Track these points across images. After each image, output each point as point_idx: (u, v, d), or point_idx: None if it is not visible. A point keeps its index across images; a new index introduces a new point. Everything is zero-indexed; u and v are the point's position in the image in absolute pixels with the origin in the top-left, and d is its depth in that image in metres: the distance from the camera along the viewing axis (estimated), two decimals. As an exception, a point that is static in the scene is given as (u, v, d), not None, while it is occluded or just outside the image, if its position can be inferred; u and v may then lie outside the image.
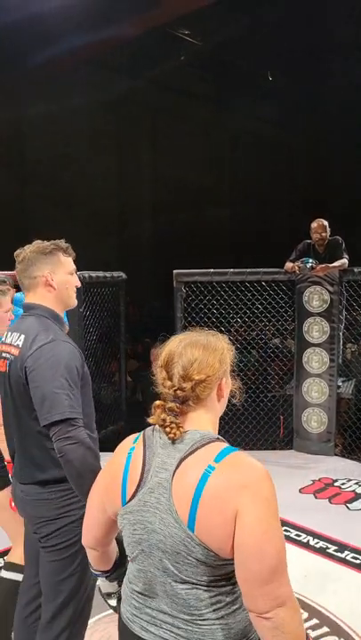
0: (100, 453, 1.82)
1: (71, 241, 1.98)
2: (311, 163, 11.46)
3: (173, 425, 1.19)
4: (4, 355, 1.90)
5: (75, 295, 1.98)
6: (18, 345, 1.83)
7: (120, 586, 1.37)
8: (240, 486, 1.10)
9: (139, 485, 1.20)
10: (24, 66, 8.42)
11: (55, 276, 1.89)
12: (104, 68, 9.91)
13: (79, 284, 1.99)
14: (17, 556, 2.36)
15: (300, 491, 4.32)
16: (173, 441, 1.19)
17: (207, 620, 1.14)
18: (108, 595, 1.48)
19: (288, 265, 5.10)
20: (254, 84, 10.60)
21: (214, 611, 1.14)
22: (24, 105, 9.19)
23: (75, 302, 1.99)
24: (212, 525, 1.09)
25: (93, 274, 5.00)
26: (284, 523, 3.73)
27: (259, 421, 5.27)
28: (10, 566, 2.39)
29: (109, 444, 1.78)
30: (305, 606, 2.82)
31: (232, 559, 1.10)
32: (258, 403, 5.29)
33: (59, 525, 1.80)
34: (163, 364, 1.25)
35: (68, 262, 1.94)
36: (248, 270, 5.15)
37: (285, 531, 3.64)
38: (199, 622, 1.14)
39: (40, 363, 1.74)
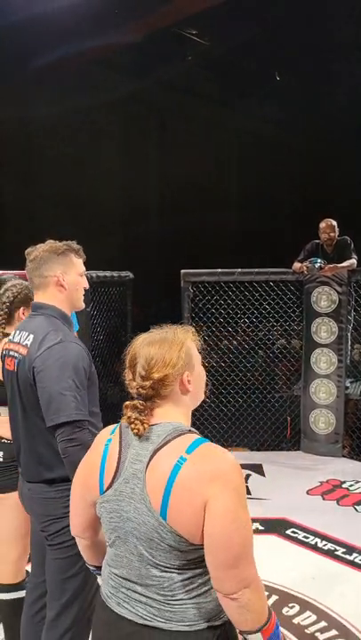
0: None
1: (76, 241, 1.99)
2: (317, 163, 11.42)
3: (138, 422, 1.23)
4: (11, 353, 1.90)
5: (83, 297, 1.99)
6: (26, 344, 1.83)
7: None
8: (210, 477, 1.15)
9: (115, 476, 1.25)
10: (29, 66, 8.42)
11: (66, 277, 1.90)
12: (109, 69, 9.91)
13: (87, 287, 2.00)
14: (7, 576, 2.28)
15: (307, 492, 4.28)
16: (139, 436, 1.23)
17: (180, 600, 1.20)
18: None
19: (296, 265, 5.08)
20: (260, 85, 10.59)
21: (186, 592, 1.20)
22: (29, 105, 9.19)
23: (82, 305, 2.01)
24: (183, 514, 1.15)
25: (101, 273, 4.99)
26: (291, 524, 3.72)
27: (266, 422, 5.25)
28: (3, 588, 2.28)
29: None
30: (313, 608, 2.81)
31: (202, 545, 1.16)
32: (265, 403, 5.28)
33: (65, 523, 1.78)
34: (128, 364, 1.29)
35: (79, 264, 1.96)
36: (256, 270, 5.13)
37: (293, 532, 3.63)
38: (172, 602, 1.20)
39: (48, 364, 1.74)
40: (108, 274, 5.20)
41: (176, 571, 1.19)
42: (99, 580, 1.52)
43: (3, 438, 2.23)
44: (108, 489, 1.25)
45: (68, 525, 1.77)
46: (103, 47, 8.52)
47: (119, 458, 1.25)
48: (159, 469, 1.18)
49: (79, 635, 1.84)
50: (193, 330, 1.35)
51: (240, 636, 1.23)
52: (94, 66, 9.34)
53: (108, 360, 5.48)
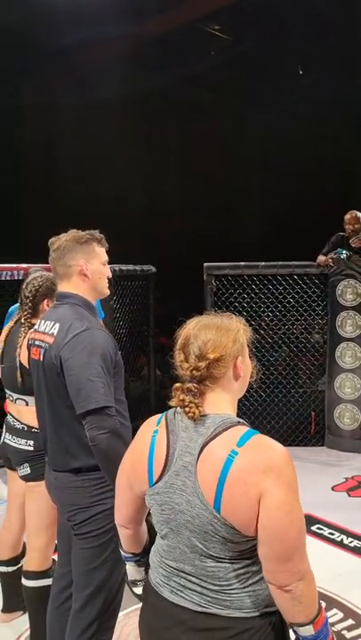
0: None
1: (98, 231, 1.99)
2: (342, 158, 11.28)
3: (192, 405, 1.22)
4: (37, 343, 1.90)
5: (107, 285, 1.99)
6: (52, 333, 1.83)
7: (147, 573, 1.39)
8: (263, 470, 1.15)
9: (164, 468, 1.24)
10: (53, 61, 8.46)
11: (90, 266, 1.91)
12: (133, 64, 9.91)
13: (110, 275, 2.01)
14: (33, 563, 2.31)
15: (332, 488, 4.24)
16: (194, 420, 1.22)
17: (235, 589, 1.21)
18: (134, 582, 1.49)
19: (321, 258, 5.01)
20: (285, 80, 10.49)
21: (241, 581, 1.21)
22: (51, 101, 9.23)
23: (107, 291, 2.01)
24: (237, 507, 1.15)
25: (124, 267, 4.99)
26: (316, 520, 3.66)
27: (290, 417, 5.19)
28: (30, 575, 2.31)
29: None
30: (339, 606, 2.76)
31: (255, 537, 1.16)
32: (288, 398, 5.21)
33: (92, 513, 1.80)
34: (180, 346, 1.28)
35: (102, 253, 1.96)
36: (280, 263, 5.07)
37: (319, 529, 3.58)
38: (228, 591, 1.21)
39: (76, 351, 1.74)
40: (130, 267, 5.19)
41: (229, 561, 1.20)
42: (128, 567, 1.50)
43: (33, 427, 2.23)
44: (157, 481, 1.25)
45: (95, 515, 1.79)
46: (127, 41, 8.52)
47: (168, 450, 1.25)
48: (210, 462, 1.18)
49: (105, 625, 1.84)
50: (244, 321, 1.35)
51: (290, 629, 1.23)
52: (118, 60, 9.34)
53: (131, 353, 5.47)
